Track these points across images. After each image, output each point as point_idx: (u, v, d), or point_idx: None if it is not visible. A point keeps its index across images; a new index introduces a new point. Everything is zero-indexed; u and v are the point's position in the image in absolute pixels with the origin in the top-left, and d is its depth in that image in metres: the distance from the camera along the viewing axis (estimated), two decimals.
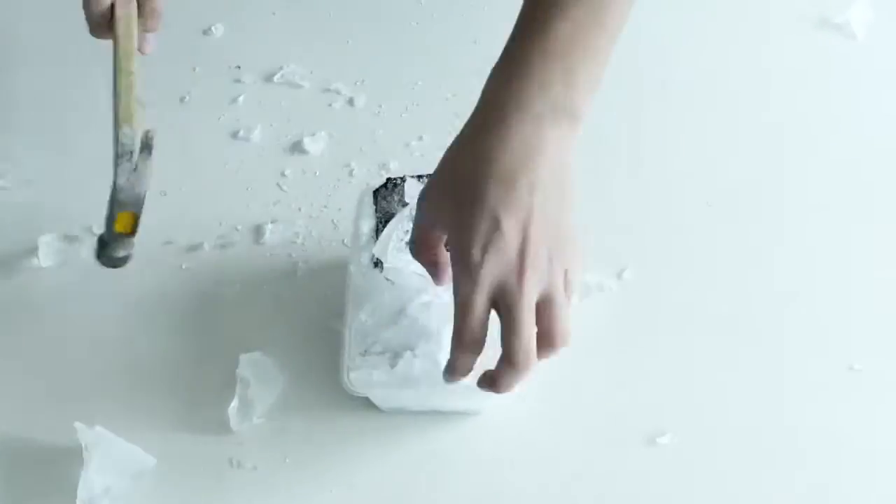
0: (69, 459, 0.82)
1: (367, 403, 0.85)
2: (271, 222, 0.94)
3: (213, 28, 1.07)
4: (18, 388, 0.87)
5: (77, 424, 0.82)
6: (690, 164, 0.98)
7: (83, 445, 0.81)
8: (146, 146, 0.83)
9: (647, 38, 1.06)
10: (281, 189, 0.97)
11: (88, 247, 0.93)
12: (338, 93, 1.03)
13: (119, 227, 0.83)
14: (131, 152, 0.82)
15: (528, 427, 0.85)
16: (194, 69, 1.05)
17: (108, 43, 0.85)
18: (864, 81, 1.03)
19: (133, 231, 0.82)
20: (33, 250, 0.93)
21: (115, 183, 0.81)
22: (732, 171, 0.97)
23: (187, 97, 1.03)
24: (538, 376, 0.85)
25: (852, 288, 0.90)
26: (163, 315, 0.90)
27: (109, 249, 0.82)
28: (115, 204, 0.81)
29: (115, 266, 0.83)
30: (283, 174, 0.98)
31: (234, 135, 1.01)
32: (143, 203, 0.82)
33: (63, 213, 0.96)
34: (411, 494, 0.82)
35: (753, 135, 1.00)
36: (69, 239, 0.94)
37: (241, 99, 1.02)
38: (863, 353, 0.87)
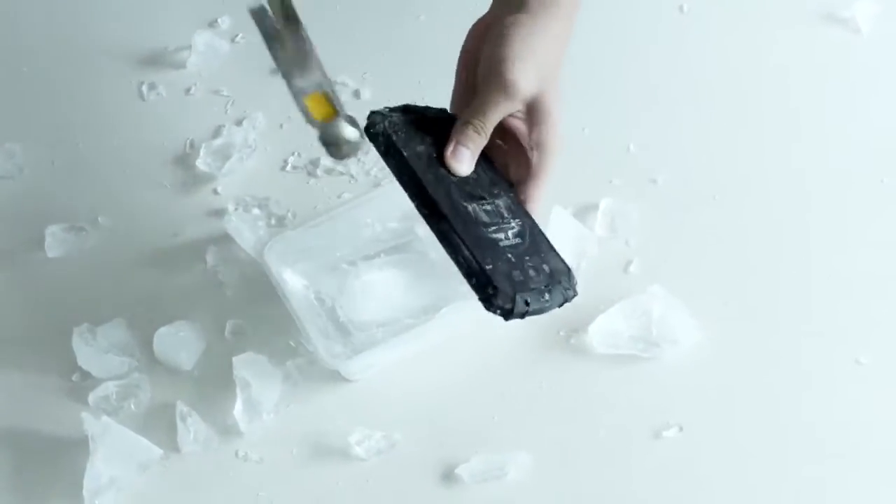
0: (76, 450, 0.82)
1: (370, 393, 0.85)
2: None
3: (219, 20, 1.07)
4: (26, 378, 0.87)
5: (84, 415, 0.82)
6: (695, 159, 0.98)
7: (89, 436, 0.81)
8: (289, 16, 0.77)
9: (654, 35, 1.06)
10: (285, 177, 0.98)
11: (95, 237, 0.94)
12: (344, 85, 1.03)
13: (318, 114, 0.77)
14: (276, 30, 0.76)
15: (536, 422, 0.85)
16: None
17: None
18: (869, 75, 1.03)
19: (335, 113, 0.76)
20: (40, 241, 0.93)
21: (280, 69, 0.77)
22: (737, 165, 0.97)
23: (192, 88, 1.03)
24: (547, 371, 0.86)
25: (859, 283, 0.90)
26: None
27: (333, 150, 0.76)
28: (294, 93, 0.76)
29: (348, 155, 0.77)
30: (285, 162, 0.98)
31: (239, 122, 1.01)
32: (319, 76, 0.76)
33: (69, 204, 0.96)
34: (419, 488, 0.82)
35: (758, 129, 1.00)
36: (75, 230, 0.94)
37: (246, 89, 1.03)
38: (869, 347, 0.87)
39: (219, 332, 0.89)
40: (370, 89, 1.03)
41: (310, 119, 0.77)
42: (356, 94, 1.02)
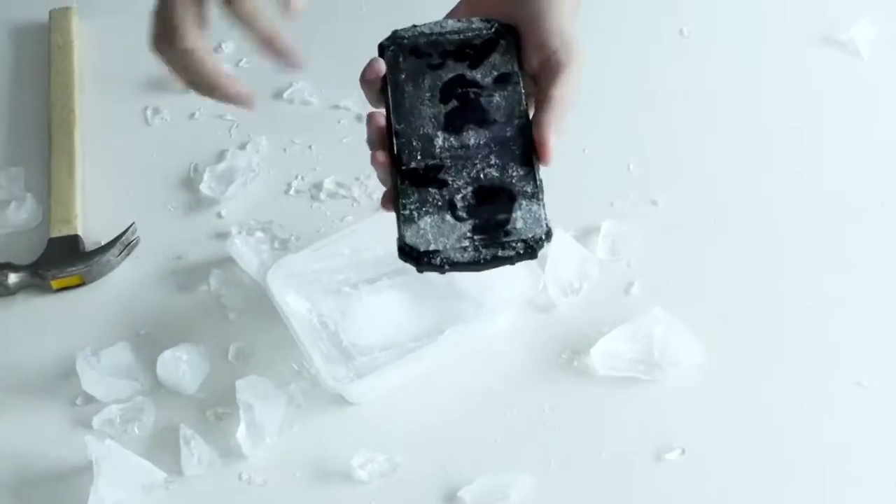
0: (80, 473, 0.82)
1: (373, 416, 0.86)
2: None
3: (223, 45, 1.08)
4: (29, 402, 0.88)
5: (87, 438, 0.82)
6: (696, 181, 0.99)
7: (93, 459, 0.81)
8: (128, 245, 0.93)
9: (655, 57, 1.07)
10: (288, 201, 0.98)
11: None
12: (346, 109, 1.04)
13: (59, 283, 0.92)
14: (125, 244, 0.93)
15: (538, 444, 0.85)
16: None
17: None
18: (869, 97, 1.04)
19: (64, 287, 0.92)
20: None
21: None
22: (738, 187, 0.98)
23: (197, 113, 1.04)
24: (549, 393, 0.86)
25: (860, 305, 0.91)
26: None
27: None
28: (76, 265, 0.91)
29: None
30: (288, 186, 0.99)
31: (242, 146, 1.01)
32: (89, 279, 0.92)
33: None
34: None
35: (759, 151, 1.00)
36: None
37: (249, 113, 1.03)
38: (870, 369, 0.87)
39: (222, 355, 0.89)
40: None
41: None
42: (359, 118, 1.03)
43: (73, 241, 0.94)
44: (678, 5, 1.10)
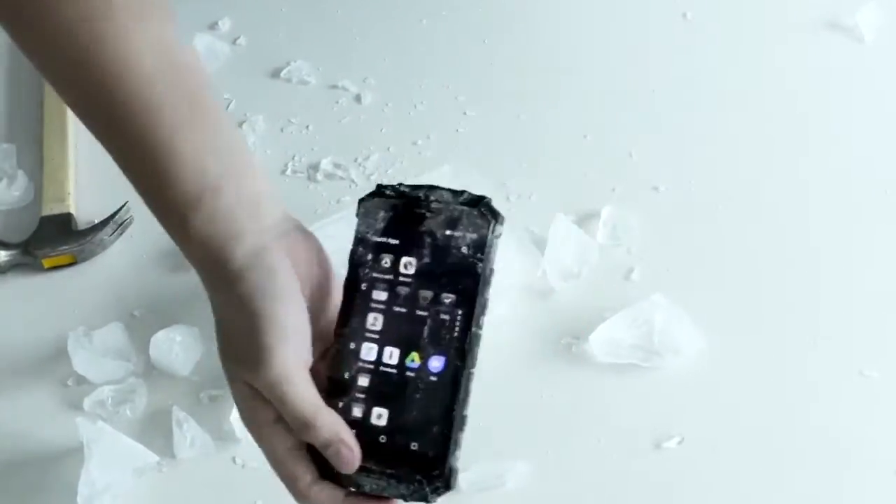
0: (71, 455, 0.81)
1: None
2: None
3: (219, 23, 1.07)
4: (20, 382, 0.87)
5: (78, 420, 0.82)
6: (698, 167, 0.98)
7: (84, 441, 0.81)
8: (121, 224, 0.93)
9: (657, 41, 1.06)
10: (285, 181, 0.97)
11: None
12: (345, 89, 1.03)
13: (51, 262, 0.90)
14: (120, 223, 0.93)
15: (535, 430, 0.84)
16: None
17: None
18: (873, 83, 1.03)
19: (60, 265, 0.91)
20: None
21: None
22: (740, 173, 0.97)
23: None
24: (547, 379, 0.86)
25: (862, 293, 0.90)
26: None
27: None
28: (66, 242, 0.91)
29: None
30: (285, 166, 0.98)
31: (239, 126, 1.00)
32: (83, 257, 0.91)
33: None
34: None
35: (761, 137, 0.99)
36: None
37: (246, 92, 1.02)
38: (872, 358, 0.86)
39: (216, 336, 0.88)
40: (371, 93, 1.02)
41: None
42: (357, 98, 1.02)
43: (65, 220, 0.93)
44: None
